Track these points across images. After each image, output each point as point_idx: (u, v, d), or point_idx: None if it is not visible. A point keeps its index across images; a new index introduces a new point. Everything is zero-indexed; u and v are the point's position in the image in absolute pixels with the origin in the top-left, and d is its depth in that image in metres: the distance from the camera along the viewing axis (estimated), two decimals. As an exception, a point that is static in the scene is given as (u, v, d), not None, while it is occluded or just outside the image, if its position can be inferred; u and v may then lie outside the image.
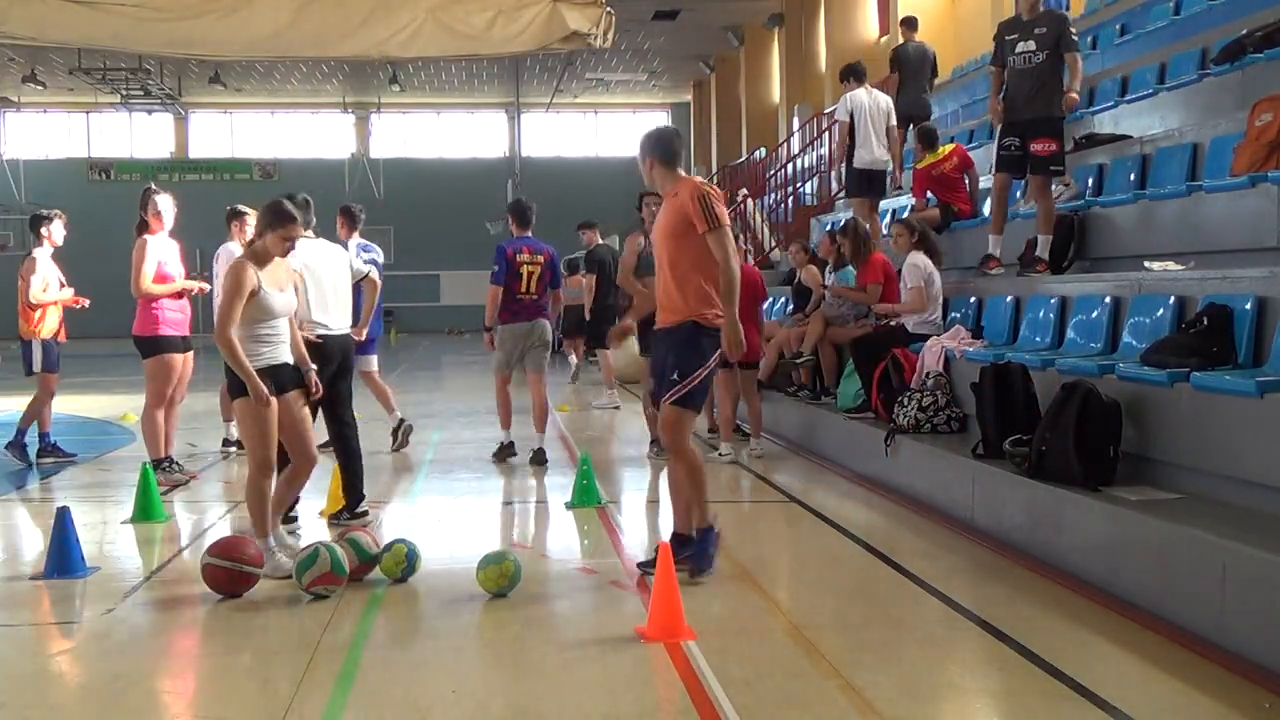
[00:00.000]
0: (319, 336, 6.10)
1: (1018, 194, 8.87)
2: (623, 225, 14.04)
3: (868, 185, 10.91)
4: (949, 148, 10.23)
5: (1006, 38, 7.95)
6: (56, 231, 8.69)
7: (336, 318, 6.31)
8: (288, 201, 5.39)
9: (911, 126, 11.51)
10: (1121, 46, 11.45)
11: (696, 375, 5.04)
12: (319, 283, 6.23)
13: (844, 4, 22.70)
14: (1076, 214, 8.03)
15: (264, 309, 5.18)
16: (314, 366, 5.57)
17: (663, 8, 25.75)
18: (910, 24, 13.19)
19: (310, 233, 6.32)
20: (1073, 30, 7.85)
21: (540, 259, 8.54)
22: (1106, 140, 8.89)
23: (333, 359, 6.16)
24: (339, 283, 6.44)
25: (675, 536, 5.16)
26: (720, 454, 8.56)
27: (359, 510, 6.35)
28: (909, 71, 12.57)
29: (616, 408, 12.17)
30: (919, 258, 8.24)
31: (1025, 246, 8.18)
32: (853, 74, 11.29)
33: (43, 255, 8.65)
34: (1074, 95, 7.84)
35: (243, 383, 5.11)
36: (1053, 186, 9.38)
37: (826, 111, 19.75)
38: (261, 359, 5.19)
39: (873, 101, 10.79)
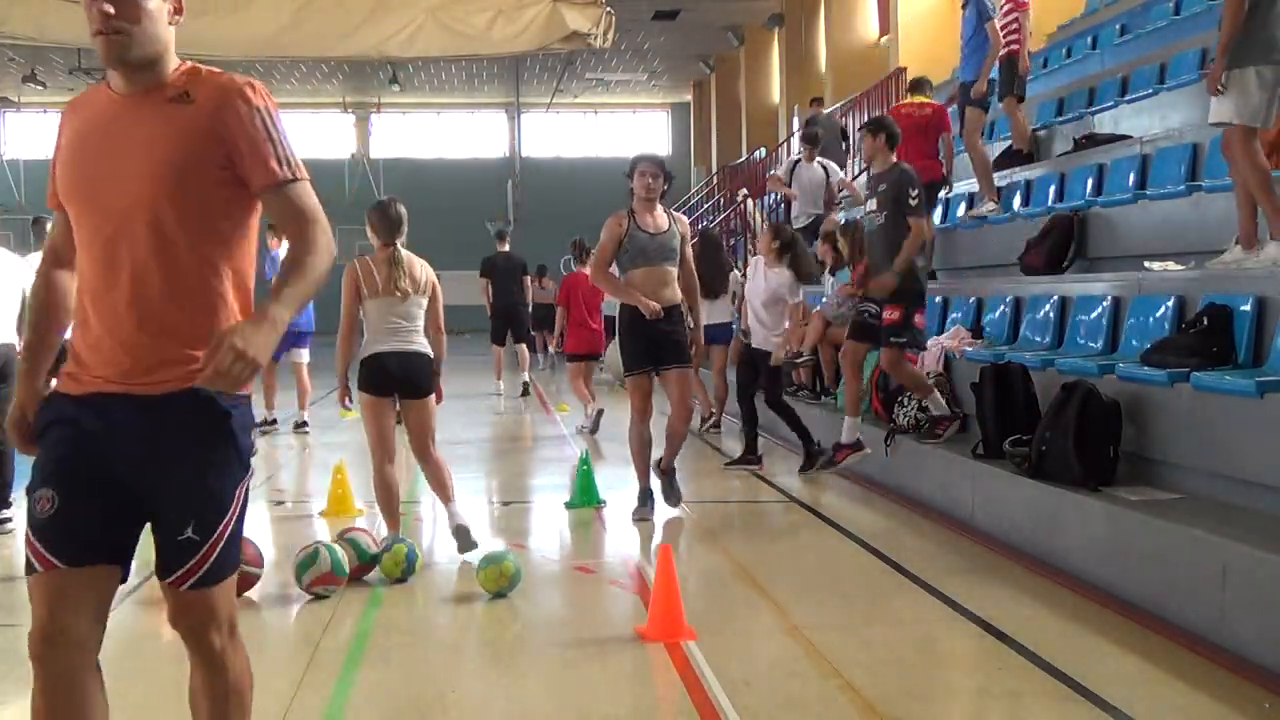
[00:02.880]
0: None
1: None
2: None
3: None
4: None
5: (868, 187, 7.11)
6: None
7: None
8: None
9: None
10: (1121, 46, 11.45)
11: (231, 516, 2.41)
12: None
13: (844, 4, 22.69)
14: (1076, 214, 8.03)
15: None
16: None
17: (663, 8, 25.74)
18: (819, 101, 15.92)
19: None
20: (914, 193, 6.61)
21: None
22: (1106, 140, 8.88)
23: None
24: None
25: None
26: (583, 428, 10.12)
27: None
28: (830, 138, 14.44)
29: (499, 394, 13.62)
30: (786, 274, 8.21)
31: (1025, 246, 8.19)
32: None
33: None
34: (890, 279, 6.52)
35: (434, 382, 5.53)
36: (986, 206, 9.50)
37: (826, 112, 19.75)
38: None
39: None
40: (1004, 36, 9.87)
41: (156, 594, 5.16)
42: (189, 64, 2.43)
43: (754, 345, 8.25)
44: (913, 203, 6.61)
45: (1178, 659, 3.95)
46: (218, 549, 2.39)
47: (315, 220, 2.36)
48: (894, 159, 6.86)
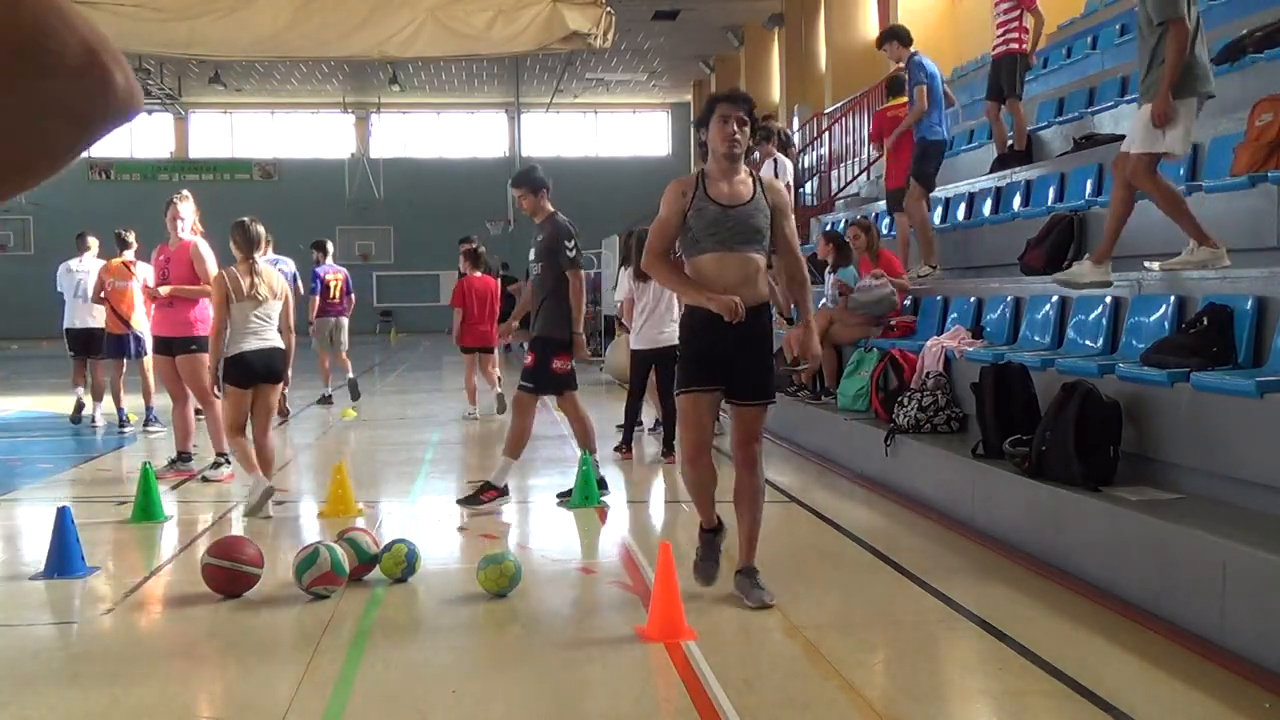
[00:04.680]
0: None
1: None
2: (625, 226, 14.33)
3: None
4: None
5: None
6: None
7: None
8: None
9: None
10: (1122, 46, 11.44)
11: None
12: None
13: (844, 4, 22.70)
14: (1076, 214, 8.03)
15: None
16: None
17: (663, 8, 25.78)
18: (770, 119, 15.41)
19: None
20: (569, 245, 6.62)
21: (339, 276, 12.71)
22: (1106, 140, 8.88)
23: None
24: None
25: None
26: (467, 414, 11.54)
27: None
28: (793, 154, 14.99)
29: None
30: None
31: (1025, 246, 8.19)
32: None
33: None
34: (580, 343, 6.73)
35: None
36: (922, 269, 9.55)
37: (826, 112, 19.77)
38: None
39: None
40: (1004, 34, 9.89)
41: (156, 594, 5.18)
42: None
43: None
44: (570, 254, 6.64)
45: (1178, 659, 3.95)
46: None
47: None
48: (549, 210, 6.80)
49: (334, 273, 12.80)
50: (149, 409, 10.68)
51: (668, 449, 8.58)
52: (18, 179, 1.02)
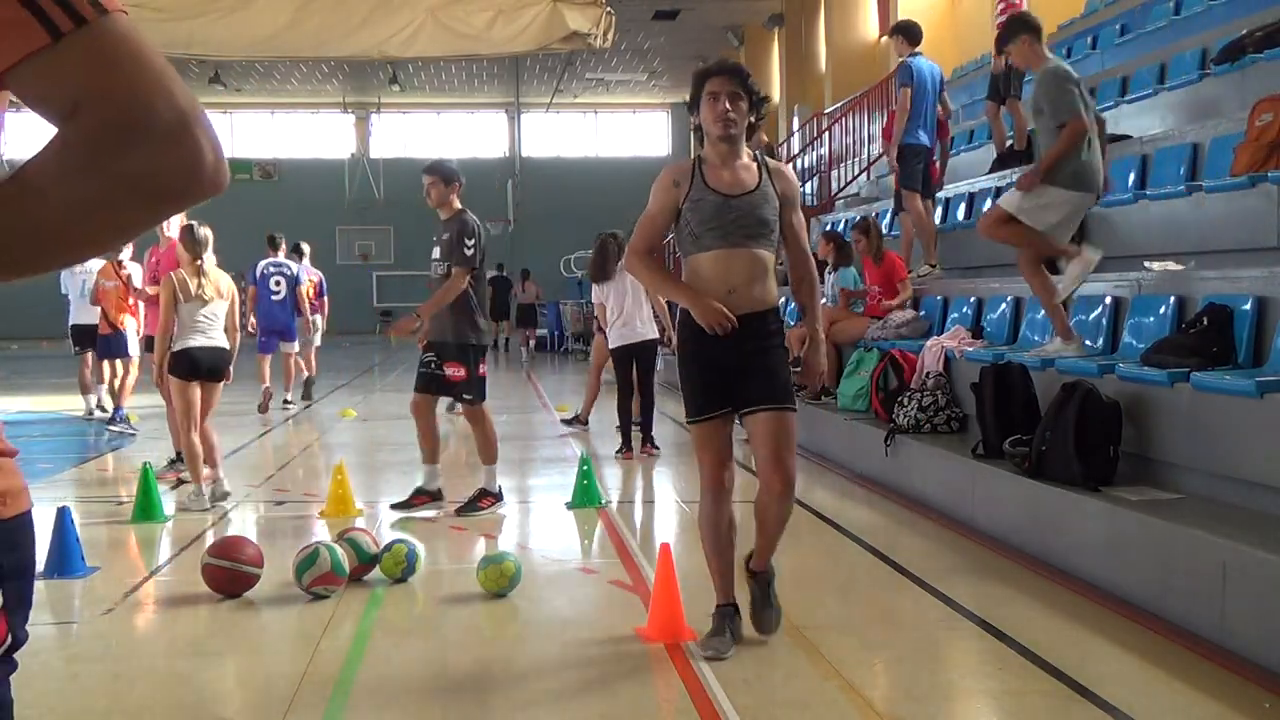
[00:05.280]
0: None
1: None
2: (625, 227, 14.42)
3: None
4: None
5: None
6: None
7: None
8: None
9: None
10: (1121, 46, 11.46)
11: None
12: None
13: (844, 4, 22.70)
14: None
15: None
16: None
17: (663, 8, 25.76)
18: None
19: None
20: (469, 243, 6.40)
21: (314, 278, 13.23)
22: (1106, 140, 8.88)
23: None
24: None
25: None
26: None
27: None
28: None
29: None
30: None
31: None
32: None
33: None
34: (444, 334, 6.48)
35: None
36: (922, 268, 9.53)
37: (826, 112, 19.78)
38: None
39: None
40: None
41: (156, 594, 5.18)
42: None
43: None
44: (466, 251, 6.39)
45: (1178, 659, 3.95)
46: None
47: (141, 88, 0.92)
48: (458, 208, 6.60)
49: (309, 274, 13.20)
50: (118, 408, 10.74)
51: (646, 440, 8.91)
52: (80, 253, 0.99)
